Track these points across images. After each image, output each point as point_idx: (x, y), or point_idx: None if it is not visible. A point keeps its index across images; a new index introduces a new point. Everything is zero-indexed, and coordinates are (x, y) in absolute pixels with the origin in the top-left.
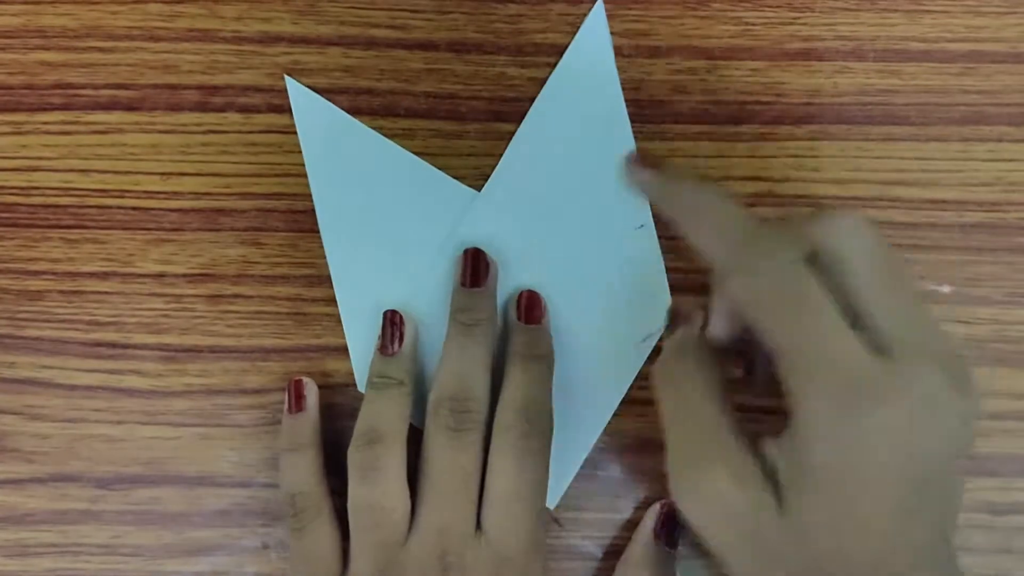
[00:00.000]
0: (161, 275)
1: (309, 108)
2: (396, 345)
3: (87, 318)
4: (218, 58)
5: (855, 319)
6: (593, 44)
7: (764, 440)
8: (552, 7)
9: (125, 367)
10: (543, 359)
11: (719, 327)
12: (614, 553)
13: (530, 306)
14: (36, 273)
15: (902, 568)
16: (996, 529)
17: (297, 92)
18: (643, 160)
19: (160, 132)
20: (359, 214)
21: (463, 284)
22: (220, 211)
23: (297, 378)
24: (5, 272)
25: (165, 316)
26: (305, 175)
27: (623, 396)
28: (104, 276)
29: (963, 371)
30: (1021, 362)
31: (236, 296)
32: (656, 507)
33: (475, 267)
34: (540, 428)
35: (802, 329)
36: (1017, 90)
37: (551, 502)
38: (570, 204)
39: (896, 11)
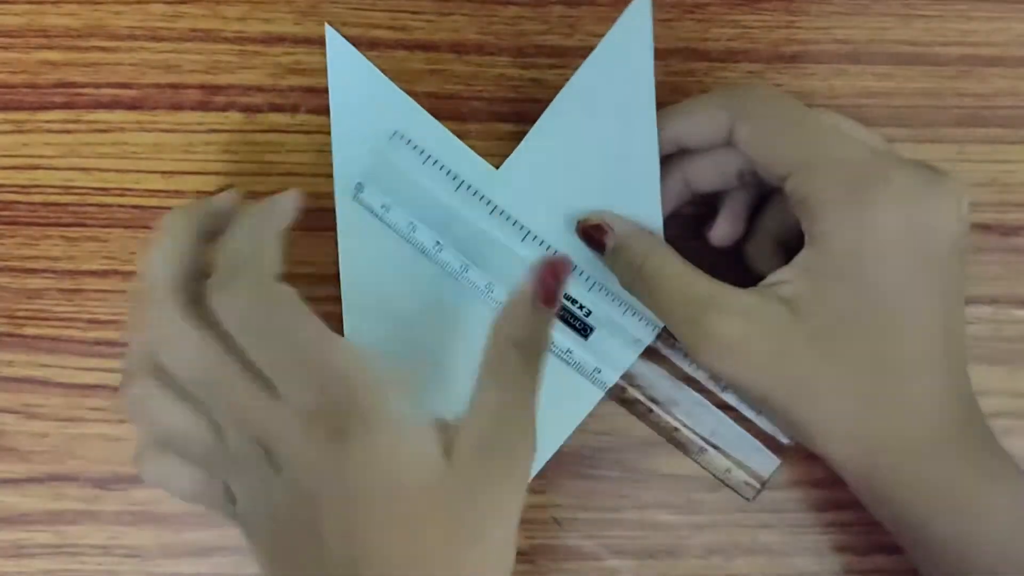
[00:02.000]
0: None
1: (345, 61)
2: None
3: (87, 316)
4: (220, 58)
5: None
6: (633, 34)
7: (769, 276)
8: (552, 9)
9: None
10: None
11: (726, 230)
12: (614, 553)
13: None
14: (36, 271)
15: (916, 345)
16: None
17: (335, 43)
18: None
19: (162, 131)
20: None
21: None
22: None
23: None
24: (5, 270)
25: None
26: (305, 175)
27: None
28: (104, 275)
29: (930, 169)
30: (1018, 361)
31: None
32: (534, 268)
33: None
34: (242, 273)
35: (810, 141)
36: (1010, 93)
37: (544, 455)
38: (583, 192)
39: (890, 15)
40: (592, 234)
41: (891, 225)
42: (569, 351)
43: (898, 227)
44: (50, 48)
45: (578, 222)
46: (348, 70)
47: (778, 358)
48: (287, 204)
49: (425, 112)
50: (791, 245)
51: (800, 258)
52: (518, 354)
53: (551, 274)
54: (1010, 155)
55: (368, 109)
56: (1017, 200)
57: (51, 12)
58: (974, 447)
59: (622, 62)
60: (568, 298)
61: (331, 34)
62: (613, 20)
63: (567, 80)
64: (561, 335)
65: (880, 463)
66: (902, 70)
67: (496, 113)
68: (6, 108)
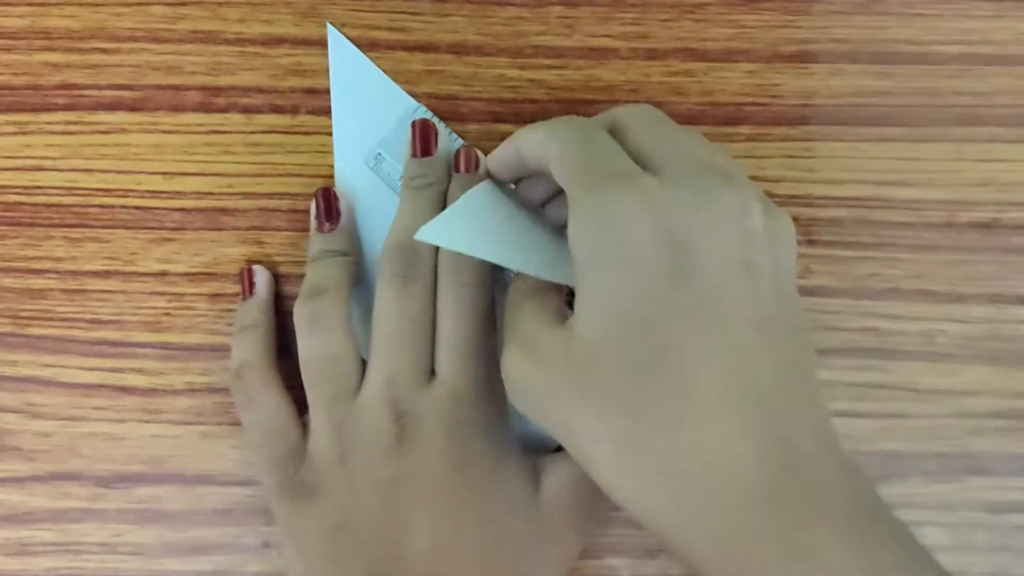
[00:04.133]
0: (163, 274)
1: (346, 60)
2: (334, 220)
3: (89, 316)
4: (221, 59)
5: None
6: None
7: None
8: (551, 9)
9: (127, 365)
10: None
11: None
12: (614, 553)
13: (424, 137)
14: (39, 272)
15: (681, 384)
16: (994, 528)
17: (336, 42)
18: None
19: (163, 132)
20: (374, 173)
21: (414, 155)
22: (222, 211)
23: (247, 267)
24: (8, 271)
25: (167, 315)
26: (306, 176)
27: None
28: (106, 275)
29: (734, 176)
30: (1016, 361)
31: (237, 295)
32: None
33: (424, 136)
34: (475, 264)
35: (584, 148)
36: (1009, 92)
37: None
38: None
39: (889, 14)
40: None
41: (639, 240)
42: None
43: (647, 243)
44: (52, 50)
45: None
46: (349, 69)
47: (549, 399)
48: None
49: (426, 110)
50: None
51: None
52: None
53: None
54: (1008, 154)
55: (369, 107)
56: (1015, 199)
57: (53, 14)
58: (782, 526)
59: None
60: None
61: (333, 33)
62: (612, 20)
63: (567, 81)
64: None
65: (657, 519)
66: (900, 69)
67: (495, 114)
68: (9, 110)
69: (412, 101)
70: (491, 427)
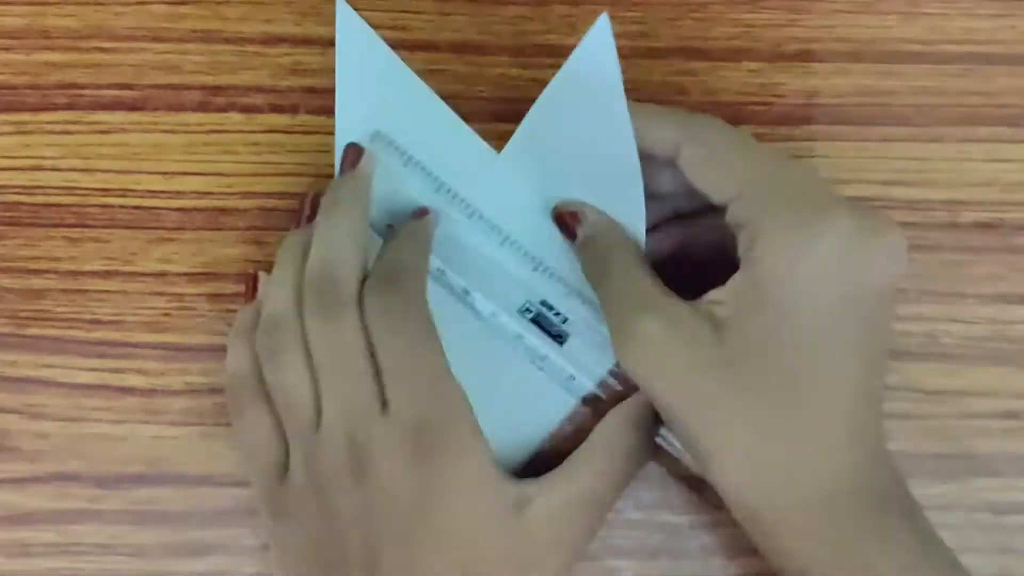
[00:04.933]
0: (163, 274)
1: (353, 36)
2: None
3: (89, 317)
4: (221, 59)
5: None
6: (597, 55)
7: (707, 294)
8: (553, 8)
9: (126, 366)
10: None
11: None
12: (614, 553)
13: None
14: (38, 272)
15: (829, 387)
16: (997, 529)
17: (345, 16)
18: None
19: (163, 132)
20: (377, 153)
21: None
22: (222, 210)
23: (253, 271)
24: (7, 271)
25: (166, 315)
26: (306, 175)
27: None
28: (106, 275)
29: (879, 216)
30: (1020, 362)
31: (237, 295)
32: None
33: (345, 156)
34: (398, 286)
35: (761, 165)
36: (1013, 91)
37: (515, 461)
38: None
39: (893, 13)
40: (566, 220)
41: (825, 261)
42: (545, 357)
43: (831, 265)
44: (51, 49)
45: (555, 206)
46: (356, 44)
47: (691, 373)
48: (430, 227)
49: (429, 90)
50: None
51: (733, 280)
52: (636, 436)
53: None
54: (1013, 154)
55: (374, 84)
56: (1020, 199)
57: (52, 13)
58: (868, 513)
59: (591, 77)
60: (546, 304)
61: (341, 6)
62: (614, 19)
63: None
64: (537, 340)
65: (767, 503)
66: (905, 68)
67: (496, 113)
68: (8, 109)
69: (420, 82)
70: (460, 452)
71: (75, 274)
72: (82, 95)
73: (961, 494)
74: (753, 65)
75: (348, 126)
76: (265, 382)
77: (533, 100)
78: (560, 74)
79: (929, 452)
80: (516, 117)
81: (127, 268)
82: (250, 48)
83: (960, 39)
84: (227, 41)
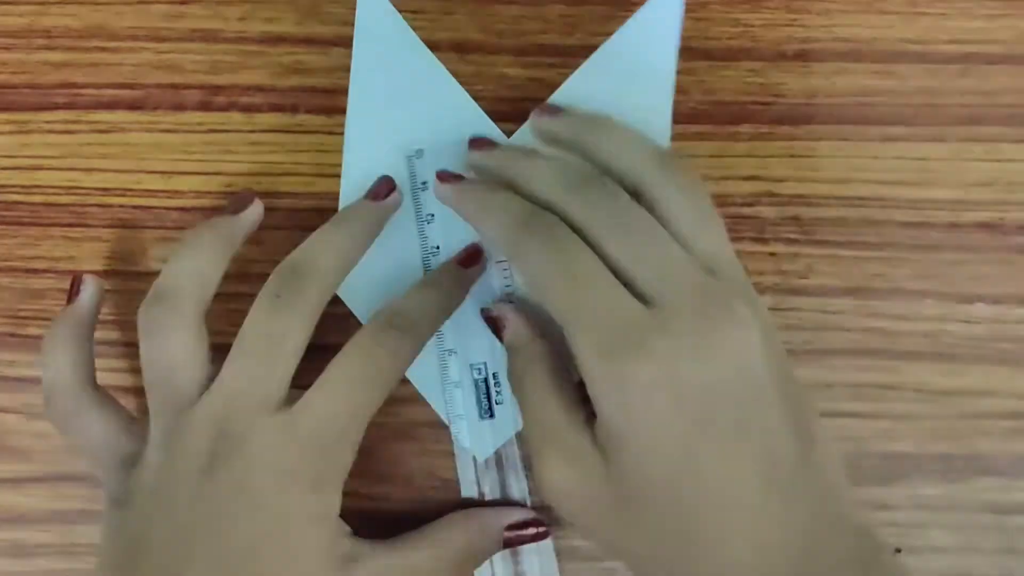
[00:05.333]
0: None
1: (373, 8)
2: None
3: None
4: (221, 58)
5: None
6: (659, 24)
7: None
8: (553, 8)
9: (126, 365)
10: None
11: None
12: None
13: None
14: (38, 271)
15: (710, 516)
16: (1000, 529)
17: None
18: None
19: (163, 131)
20: (388, 127)
21: (368, 197)
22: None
23: (77, 273)
24: (7, 270)
25: None
26: (306, 175)
27: None
28: (105, 275)
29: (728, 298)
30: (1022, 361)
31: (237, 294)
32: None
33: (379, 186)
34: (405, 330)
35: (573, 292)
36: (1013, 91)
37: (482, 454)
38: None
39: (892, 13)
40: (493, 322)
41: (649, 396)
42: (460, 416)
43: (658, 397)
44: (51, 49)
45: (481, 308)
46: (375, 19)
47: (592, 514)
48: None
49: (445, 71)
50: None
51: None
52: (476, 540)
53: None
54: (1012, 154)
55: (390, 60)
56: (1020, 199)
57: (53, 13)
58: None
59: (646, 46)
60: (495, 378)
61: None
62: (614, 19)
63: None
64: (466, 397)
65: None
66: (904, 68)
67: (497, 112)
68: (8, 109)
69: (436, 62)
70: (317, 491)
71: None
72: (82, 95)
73: (963, 494)
74: (753, 65)
75: (361, 103)
76: (89, 382)
77: (534, 99)
78: (615, 37)
79: (931, 452)
80: (516, 117)
81: (127, 268)
82: (251, 48)
83: (960, 39)
84: (227, 41)
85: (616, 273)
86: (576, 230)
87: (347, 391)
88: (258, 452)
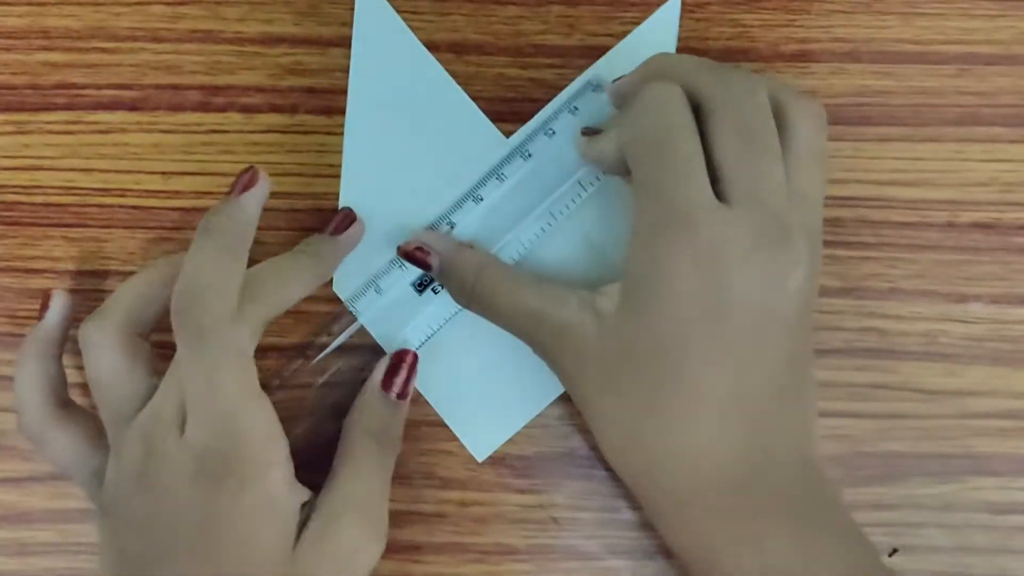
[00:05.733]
0: None
1: (371, 9)
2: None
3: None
4: (220, 59)
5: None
6: (660, 33)
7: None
8: (551, 8)
9: None
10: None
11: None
12: (614, 553)
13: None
14: (37, 271)
15: (693, 388)
16: (996, 528)
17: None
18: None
19: (162, 132)
20: (387, 128)
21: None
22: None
23: (47, 291)
24: (6, 270)
25: (165, 315)
26: (305, 175)
27: None
28: (105, 275)
29: (777, 225)
30: (1018, 362)
31: None
32: (384, 359)
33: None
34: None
35: (662, 174)
36: (1011, 91)
37: (480, 454)
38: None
39: (890, 13)
40: (415, 256)
41: (683, 276)
42: None
43: (691, 280)
44: (51, 49)
45: (398, 247)
46: (374, 20)
47: (577, 378)
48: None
49: (445, 72)
50: None
51: (624, 273)
52: (375, 445)
53: (400, 366)
54: (1010, 154)
55: (388, 62)
56: (1017, 199)
57: (52, 13)
58: (742, 514)
59: (647, 52)
60: None
61: None
62: (613, 20)
63: (567, 80)
64: None
65: (640, 492)
66: (902, 68)
67: (495, 113)
68: (8, 109)
69: (435, 62)
70: (246, 482)
71: (74, 274)
72: (82, 95)
73: (960, 494)
74: (751, 65)
75: (360, 105)
76: (57, 400)
77: (532, 100)
78: (619, 46)
79: (928, 452)
80: (514, 117)
81: (126, 268)
82: (249, 48)
83: (958, 39)
84: (226, 41)
85: (710, 160)
86: (703, 102)
87: (213, 402)
88: (178, 469)
